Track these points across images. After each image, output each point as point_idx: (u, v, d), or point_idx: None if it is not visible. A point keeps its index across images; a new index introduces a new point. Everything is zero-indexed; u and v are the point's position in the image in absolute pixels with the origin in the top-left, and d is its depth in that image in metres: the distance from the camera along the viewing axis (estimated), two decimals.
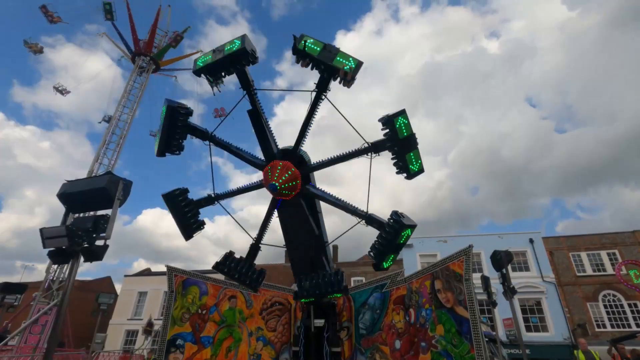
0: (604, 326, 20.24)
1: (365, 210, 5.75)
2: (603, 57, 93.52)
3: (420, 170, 5.36)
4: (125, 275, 30.61)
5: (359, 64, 4.89)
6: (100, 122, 24.86)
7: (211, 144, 6.18)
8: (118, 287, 32.90)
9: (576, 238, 23.31)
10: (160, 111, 5.81)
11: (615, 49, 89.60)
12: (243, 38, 5.18)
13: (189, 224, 6.31)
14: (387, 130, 5.18)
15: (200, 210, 6.51)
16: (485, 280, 9.70)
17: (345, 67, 4.89)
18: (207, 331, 8.28)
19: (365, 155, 5.58)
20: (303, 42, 4.99)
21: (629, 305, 20.31)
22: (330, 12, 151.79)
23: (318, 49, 4.96)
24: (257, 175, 6.34)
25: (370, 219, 5.68)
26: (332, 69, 4.97)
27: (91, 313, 27.52)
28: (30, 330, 15.88)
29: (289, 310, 9.21)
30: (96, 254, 4.65)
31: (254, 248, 6.61)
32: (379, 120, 5.24)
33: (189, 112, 5.77)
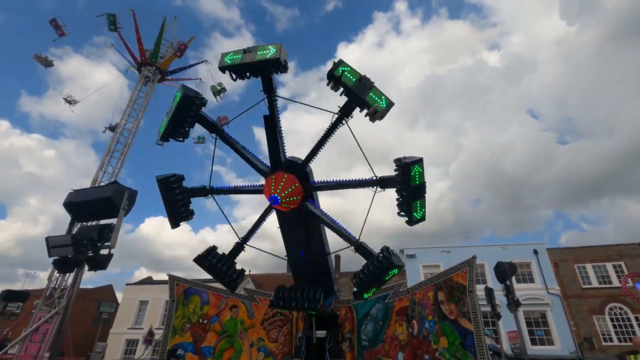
0: (611, 340, 19.87)
1: (357, 237, 5.71)
2: (602, 70, 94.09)
3: (422, 219, 5.31)
4: (127, 284, 30.51)
5: (389, 105, 4.88)
6: (104, 132, 25.11)
7: (217, 137, 6.09)
8: (119, 296, 32.78)
9: (581, 250, 23.06)
10: (182, 87, 5.65)
11: (613, 63, 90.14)
12: (279, 47, 5.07)
13: (179, 212, 6.21)
14: (399, 171, 5.12)
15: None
16: (489, 292, 9.61)
17: (376, 105, 4.87)
18: (208, 341, 8.22)
19: (370, 188, 5.54)
20: (341, 69, 4.96)
21: (636, 318, 19.97)
22: (333, 25, 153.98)
23: (354, 79, 4.93)
24: (262, 181, 6.28)
25: (359, 247, 5.63)
26: (363, 103, 4.95)
27: (92, 322, 27.40)
28: (30, 338, 15.80)
29: (291, 320, 9.14)
30: (100, 263, 4.68)
31: (238, 247, 6.50)
32: (394, 162, 5.18)
33: (204, 103, 5.68)
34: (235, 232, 6.55)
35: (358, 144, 5.56)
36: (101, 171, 23.09)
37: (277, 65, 5.13)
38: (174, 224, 6.28)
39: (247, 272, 6.60)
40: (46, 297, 19.04)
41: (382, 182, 5.42)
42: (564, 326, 20.19)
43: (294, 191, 5.63)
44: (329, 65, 5.14)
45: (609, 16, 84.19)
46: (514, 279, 8.88)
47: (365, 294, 5.56)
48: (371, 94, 4.90)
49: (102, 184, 20.93)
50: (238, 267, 6.53)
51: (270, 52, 5.04)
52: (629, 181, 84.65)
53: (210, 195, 6.41)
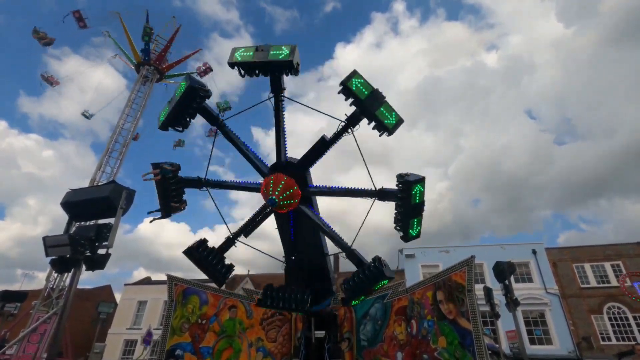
0: (609, 339, 19.91)
1: (350, 244, 5.71)
2: (600, 72, 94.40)
3: (399, 121, 5.22)
4: (125, 284, 30.42)
5: (399, 122, 4.91)
6: (82, 113, 26.06)
7: (219, 131, 6.02)
8: (118, 296, 32.70)
9: (579, 249, 23.12)
10: (188, 76, 5.56)
11: (611, 65, 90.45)
12: (292, 50, 5.01)
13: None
14: (401, 188, 5.11)
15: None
16: (488, 292, 9.61)
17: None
18: (207, 342, 8.20)
19: (368, 199, 5.55)
20: (354, 81, 4.96)
21: (634, 318, 20.02)
22: (331, 26, 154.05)
23: (366, 92, 4.95)
24: (259, 180, 6.23)
25: (351, 255, 5.63)
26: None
27: (90, 322, 27.36)
28: (28, 339, 15.74)
29: (290, 320, 9.13)
30: (98, 263, 4.66)
31: (228, 242, 6.41)
32: (397, 177, 5.19)
33: (208, 95, 5.58)
34: (229, 229, 6.53)
35: (362, 154, 5.57)
36: (99, 171, 23.04)
37: (289, 67, 5.08)
38: (166, 213, 6.10)
39: (245, 273, 6.48)
40: (44, 297, 18.98)
41: (381, 194, 5.43)
42: (563, 326, 20.23)
43: (291, 194, 5.61)
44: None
45: (606, 19, 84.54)
46: (512, 278, 8.88)
47: (353, 301, 5.62)
48: (382, 109, 4.92)
49: (100, 184, 20.89)
50: (235, 267, 6.49)
51: (284, 53, 4.98)
52: (627, 181, 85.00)
53: (204, 188, 6.25)
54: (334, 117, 5.39)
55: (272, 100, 5.53)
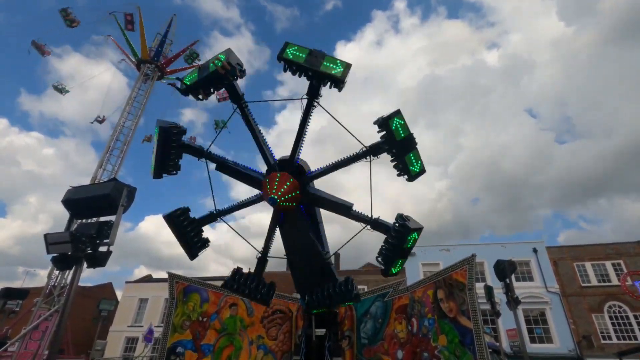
0: (610, 338, 19.91)
1: (369, 215, 5.66)
2: (600, 71, 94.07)
3: (422, 171, 5.24)
4: (127, 282, 30.53)
5: (347, 67, 4.77)
6: (92, 122, 25.71)
7: (207, 161, 6.05)
8: (119, 294, 32.79)
9: (580, 248, 23.10)
10: (158, 122, 5.63)
11: (611, 64, 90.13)
12: (227, 53, 5.07)
13: (193, 243, 6.19)
14: (384, 132, 5.07)
15: (201, 213, 6.38)
16: (489, 290, 9.63)
17: (334, 72, 4.78)
18: (208, 339, 8.22)
19: (364, 159, 5.47)
20: (288, 51, 4.90)
21: (635, 317, 20.01)
22: (332, 24, 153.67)
23: (303, 55, 4.86)
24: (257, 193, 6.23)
25: (376, 224, 5.57)
26: (320, 75, 4.86)
27: (91, 319, 27.45)
28: (30, 336, 15.80)
29: (290, 318, 9.14)
30: (99, 260, 4.66)
31: (261, 261, 6.46)
32: (374, 123, 5.12)
33: (182, 131, 5.65)
34: (256, 249, 6.50)
35: (337, 120, 5.52)
36: (100, 169, 23.05)
37: (233, 71, 5.08)
38: (192, 255, 6.26)
39: (246, 271, 6.46)
40: (46, 294, 19.03)
41: (372, 149, 5.35)
42: (563, 324, 20.24)
43: (290, 187, 5.58)
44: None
45: (606, 18, 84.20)
46: (513, 277, 8.89)
47: (393, 269, 5.50)
48: (325, 63, 4.80)
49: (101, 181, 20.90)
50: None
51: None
52: (627, 180, 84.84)
53: (219, 220, 6.42)
54: (295, 99, 5.41)
55: (304, 102, 5.44)
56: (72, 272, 5.19)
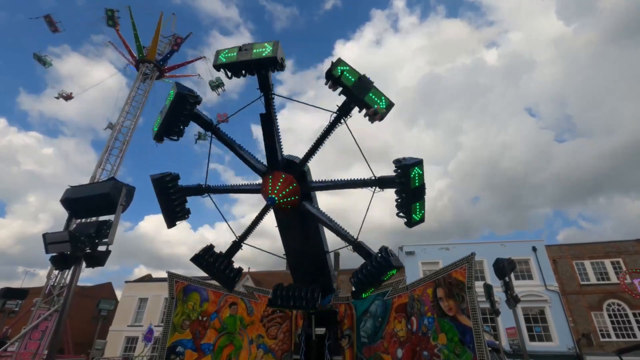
0: (609, 336, 19.96)
1: (355, 237, 5.66)
2: (600, 70, 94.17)
3: (421, 221, 5.25)
4: (126, 282, 30.52)
5: (389, 106, 4.76)
6: (105, 129, 25.09)
7: (213, 136, 5.99)
8: (118, 294, 32.79)
9: (580, 246, 23.15)
10: (175, 85, 5.48)
11: (611, 63, 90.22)
12: (275, 45, 4.93)
13: (175, 211, 6.12)
14: (399, 173, 5.03)
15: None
16: (488, 289, 9.63)
17: (375, 106, 4.75)
18: (208, 338, 8.23)
19: (369, 188, 5.45)
20: (340, 69, 4.83)
21: (634, 314, 20.06)
22: (331, 23, 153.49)
23: (353, 79, 4.81)
24: (259, 180, 6.19)
25: (358, 247, 5.57)
26: (362, 103, 4.83)
27: (91, 319, 27.44)
28: (30, 336, 15.80)
29: (290, 318, 9.15)
30: (98, 260, 4.66)
31: (235, 246, 6.40)
32: (394, 162, 5.09)
33: (198, 101, 5.54)
34: (233, 232, 6.47)
35: (357, 144, 5.47)
36: (100, 169, 23.02)
37: (274, 64, 4.99)
38: (170, 223, 6.20)
39: (245, 270, 6.42)
40: (45, 294, 19.01)
41: (381, 183, 5.34)
42: (563, 322, 20.28)
43: (291, 191, 5.57)
44: (327, 64, 5.04)
45: (605, 16, 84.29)
46: (512, 275, 8.90)
47: (363, 294, 5.54)
48: (370, 95, 4.79)
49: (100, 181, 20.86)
50: (236, 265, 6.45)
51: (267, 50, 4.89)
52: (627, 179, 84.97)
53: (206, 194, 6.33)
54: (326, 110, 5.30)
55: (263, 99, 5.42)
56: (71, 271, 5.18)
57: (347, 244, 5.69)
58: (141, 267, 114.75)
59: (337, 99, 5.09)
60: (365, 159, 5.42)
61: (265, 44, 4.96)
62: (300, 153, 5.94)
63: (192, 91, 5.48)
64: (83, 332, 26.51)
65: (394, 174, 5.16)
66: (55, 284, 19.79)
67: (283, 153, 5.97)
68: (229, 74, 5.23)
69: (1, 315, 12.82)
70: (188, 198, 6.32)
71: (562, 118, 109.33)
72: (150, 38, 28.49)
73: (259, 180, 6.06)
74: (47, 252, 4.74)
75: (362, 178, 5.52)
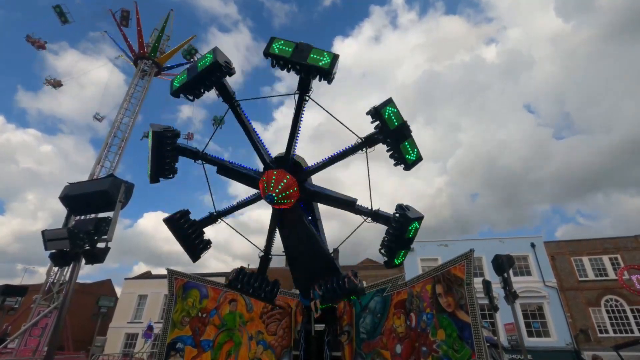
0: (607, 332, 20.09)
1: (369, 208, 5.63)
2: (598, 67, 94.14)
3: (419, 159, 5.18)
4: (126, 279, 30.55)
5: (334, 57, 4.70)
6: (94, 119, 25.72)
7: (204, 162, 5.99)
8: (118, 291, 32.85)
9: (578, 243, 23.23)
10: (151, 126, 5.58)
11: (609, 60, 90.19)
12: (214, 51, 4.98)
13: (195, 245, 6.16)
14: (378, 122, 5.01)
15: (201, 208, 6.36)
16: (487, 285, 9.67)
17: (321, 63, 4.70)
18: (207, 335, 8.25)
19: (361, 151, 5.42)
20: (275, 46, 4.80)
21: (632, 310, 20.18)
22: (330, 20, 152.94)
23: (290, 49, 4.77)
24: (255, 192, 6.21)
25: (376, 216, 5.54)
26: (307, 67, 4.76)
27: (91, 316, 27.51)
28: (30, 333, 15.84)
29: (290, 314, 9.17)
30: (97, 257, 4.65)
31: (265, 260, 6.48)
32: (367, 113, 5.07)
33: (176, 134, 5.58)
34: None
35: (330, 114, 5.49)
36: (99, 166, 22.99)
37: (220, 69, 4.95)
38: (194, 258, 6.23)
39: (246, 267, 6.44)
40: (45, 291, 19.05)
41: (368, 140, 5.32)
42: (561, 318, 20.40)
43: (287, 184, 5.52)
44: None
45: (604, 14, 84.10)
46: (511, 272, 8.92)
47: (396, 260, 5.51)
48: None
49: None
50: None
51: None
52: (624, 176, 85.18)
53: (219, 220, 6.41)
54: (287, 94, 5.39)
55: (296, 97, 5.35)
56: (70, 268, 5.18)
57: (365, 218, 5.65)
58: (140, 264, 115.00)
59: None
60: (346, 126, 5.41)
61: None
62: (299, 151, 5.95)
63: (168, 127, 5.51)
64: (83, 329, 26.57)
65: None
66: (55, 281, 19.82)
67: (269, 153, 5.97)
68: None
69: (1, 312, 12.83)
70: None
71: (560, 115, 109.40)
72: (148, 35, 28.34)
73: (257, 190, 6.06)
74: (46, 249, 4.73)
75: (350, 145, 5.47)
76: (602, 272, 21.73)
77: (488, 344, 6.41)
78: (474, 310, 5.91)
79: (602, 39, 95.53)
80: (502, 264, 8.59)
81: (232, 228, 6.70)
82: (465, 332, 5.92)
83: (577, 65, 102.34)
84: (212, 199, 6.39)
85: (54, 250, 4.70)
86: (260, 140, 6.06)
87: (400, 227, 5.17)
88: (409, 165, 5.18)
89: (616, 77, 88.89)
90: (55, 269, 19.55)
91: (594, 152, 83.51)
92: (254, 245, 6.57)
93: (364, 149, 5.39)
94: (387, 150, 5.17)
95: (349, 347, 8.36)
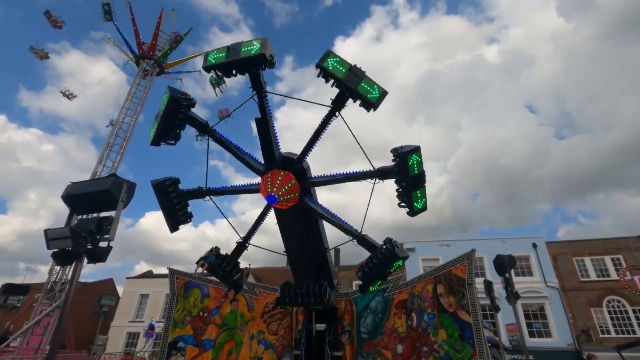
0: (608, 332, 20.03)
1: (359, 230, 5.64)
2: (599, 66, 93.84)
3: (424, 209, 5.21)
4: (127, 278, 30.63)
5: (383, 94, 4.70)
6: (107, 126, 25.02)
7: (210, 138, 5.94)
8: (120, 290, 32.94)
9: (580, 243, 23.15)
10: (168, 89, 5.41)
11: (611, 59, 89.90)
12: (264, 42, 4.86)
13: (177, 215, 6.11)
14: (397, 162, 4.98)
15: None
16: (488, 285, 9.65)
17: (369, 96, 4.68)
18: (209, 334, 8.27)
19: (369, 180, 5.41)
20: (329, 61, 4.76)
21: (634, 311, 20.11)
22: (331, 19, 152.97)
23: (344, 70, 4.74)
24: (258, 180, 6.16)
25: (363, 240, 5.56)
26: (355, 94, 4.76)
27: (93, 315, 27.59)
28: (32, 331, 15.89)
29: (291, 313, 9.18)
30: (99, 256, 4.67)
31: (240, 247, 6.42)
32: (391, 152, 5.05)
33: (192, 104, 5.49)
34: (238, 233, 6.46)
35: (354, 135, 5.39)
36: (100, 165, 23.05)
37: (263, 62, 4.90)
38: (173, 227, 6.19)
39: (247, 267, 6.42)
40: (47, 290, 19.12)
41: (381, 174, 5.29)
42: (562, 319, 20.35)
43: (291, 188, 5.53)
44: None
45: (605, 13, 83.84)
46: (512, 272, 8.91)
47: (371, 287, 5.51)
48: (363, 84, 4.72)
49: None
50: (248, 269, 6.45)
51: (255, 48, 4.80)
52: (625, 175, 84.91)
53: (207, 197, 6.29)
54: (321, 104, 5.22)
55: (256, 97, 5.34)
56: (72, 267, 5.20)
57: (351, 238, 5.66)
58: (142, 263, 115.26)
59: (334, 93, 5.02)
60: (363, 151, 5.34)
61: (254, 42, 4.87)
62: (299, 150, 5.90)
63: (185, 94, 5.41)
64: (85, 327, 26.66)
65: (392, 164, 5.11)
66: (57, 279, 19.89)
67: (280, 151, 5.94)
68: (220, 75, 5.15)
69: (3, 311, 12.89)
70: (179, 179, 6.25)
71: (561, 114, 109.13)
72: (151, 34, 28.39)
73: (258, 179, 6.02)
74: (48, 248, 4.76)
75: (362, 170, 5.46)
76: (604, 272, 21.66)
77: (489, 344, 6.40)
78: (475, 310, 5.91)
79: (603, 38, 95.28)
80: (504, 264, 8.58)
81: (218, 208, 6.60)
82: (466, 332, 5.91)
83: (578, 64, 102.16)
84: (207, 174, 6.32)
85: (56, 249, 4.73)
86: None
87: (385, 260, 5.13)
88: (414, 213, 5.19)
89: (617, 76, 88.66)
90: (58, 267, 19.62)
91: (594, 152, 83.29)
92: (234, 229, 6.50)
93: (373, 180, 5.35)
94: (397, 191, 5.14)
95: (350, 347, 8.36)
